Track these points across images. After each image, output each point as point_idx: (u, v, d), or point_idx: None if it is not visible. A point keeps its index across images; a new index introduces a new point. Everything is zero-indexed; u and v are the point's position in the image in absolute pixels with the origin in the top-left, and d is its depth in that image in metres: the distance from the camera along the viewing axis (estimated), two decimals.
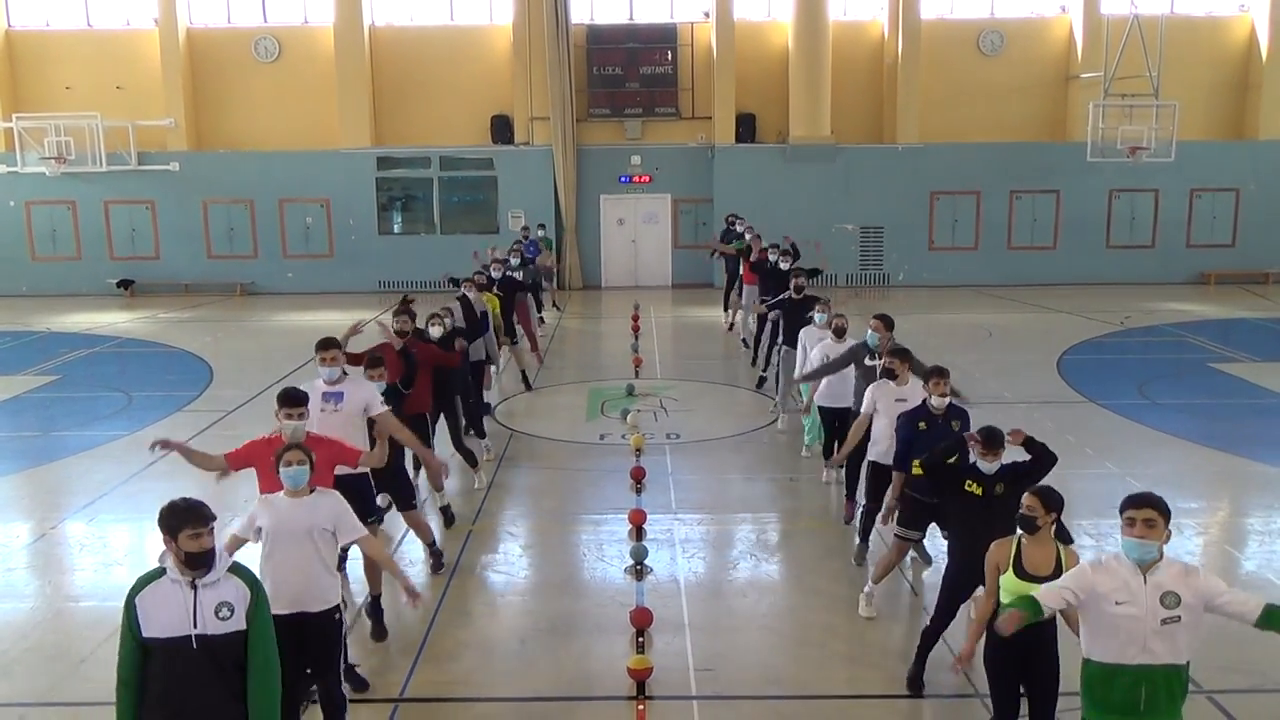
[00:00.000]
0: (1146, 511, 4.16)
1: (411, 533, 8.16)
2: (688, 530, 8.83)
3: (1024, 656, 4.90)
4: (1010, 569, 4.87)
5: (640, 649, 6.53)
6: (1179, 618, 4.12)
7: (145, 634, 4.04)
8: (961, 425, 6.88)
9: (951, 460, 6.04)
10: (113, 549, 8.71)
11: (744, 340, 16.79)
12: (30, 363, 16.30)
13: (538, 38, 23.44)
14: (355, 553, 7.27)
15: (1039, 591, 4.36)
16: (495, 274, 13.62)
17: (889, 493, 7.15)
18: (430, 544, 8.02)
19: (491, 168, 24.22)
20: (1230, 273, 24.13)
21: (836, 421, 9.46)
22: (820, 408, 9.70)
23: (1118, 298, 21.84)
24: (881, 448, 7.60)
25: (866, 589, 7.23)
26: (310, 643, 5.07)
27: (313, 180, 23.99)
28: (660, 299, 22.77)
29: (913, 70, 23.74)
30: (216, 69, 24.36)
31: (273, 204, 24.17)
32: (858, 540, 8.16)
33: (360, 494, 6.40)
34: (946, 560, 6.31)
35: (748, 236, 16.96)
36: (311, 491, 5.15)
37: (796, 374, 10.31)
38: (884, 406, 7.62)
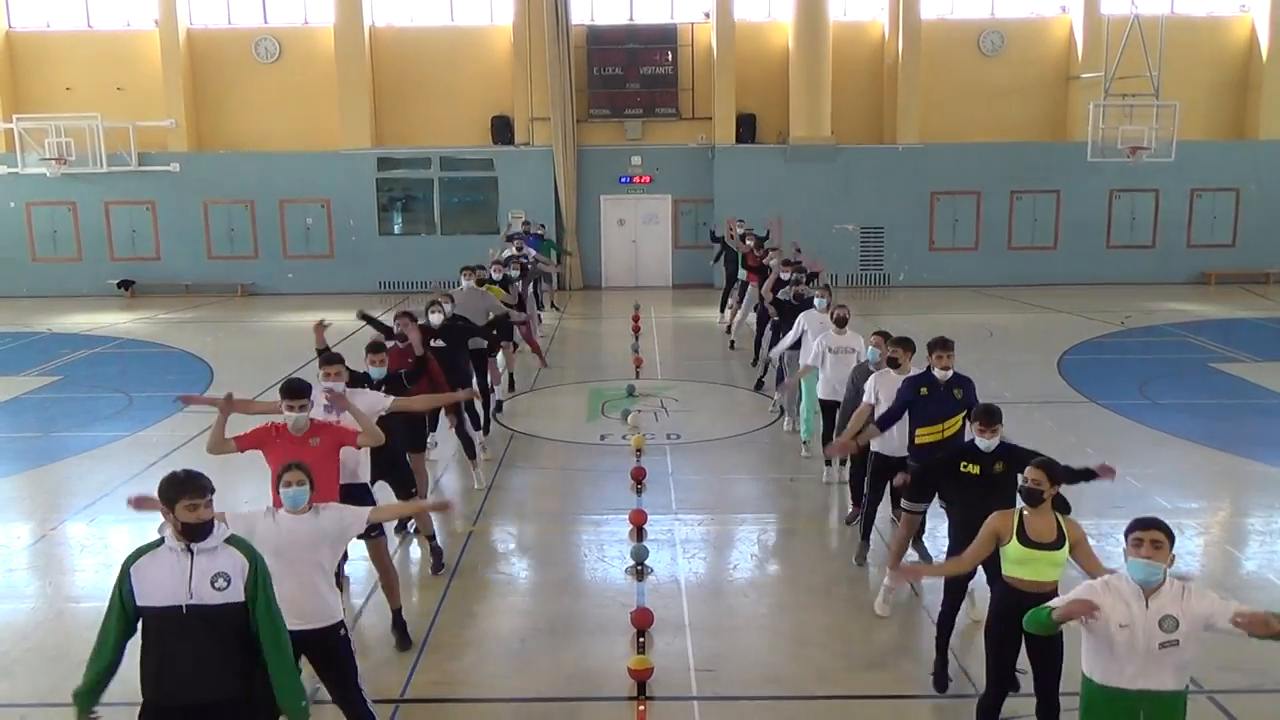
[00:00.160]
0: (1154, 533, 4.16)
1: (411, 540, 8.16)
2: (688, 530, 8.83)
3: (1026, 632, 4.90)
4: (1014, 538, 4.95)
5: (641, 649, 6.54)
6: (1177, 642, 4.13)
7: (140, 603, 4.07)
8: (964, 393, 6.91)
9: (940, 435, 6.13)
10: (113, 550, 8.70)
11: (732, 343, 16.79)
12: (31, 363, 16.31)
13: (538, 38, 23.45)
14: (352, 557, 7.26)
15: (1055, 606, 4.33)
16: (496, 276, 13.62)
17: (854, 422, 7.35)
18: (430, 536, 8.05)
19: (492, 168, 24.23)
20: (1231, 273, 24.13)
21: (836, 414, 9.52)
22: (821, 401, 9.72)
23: (1118, 298, 21.84)
24: (885, 439, 7.60)
25: (886, 582, 7.22)
26: (319, 663, 5.10)
27: (313, 181, 24.00)
28: (660, 299, 22.77)
29: (913, 70, 23.74)
30: (217, 70, 24.37)
31: (273, 205, 24.17)
32: (860, 539, 8.17)
33: (360, 503, 6.37)
34: (948, 542, 6.32)
35: (748, 241, 16.94)
36: (311, 509, 5.14)
37: (791, 361, 10.39)
38: (885, 396, 7.62)
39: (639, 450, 10.65)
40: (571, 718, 6.05)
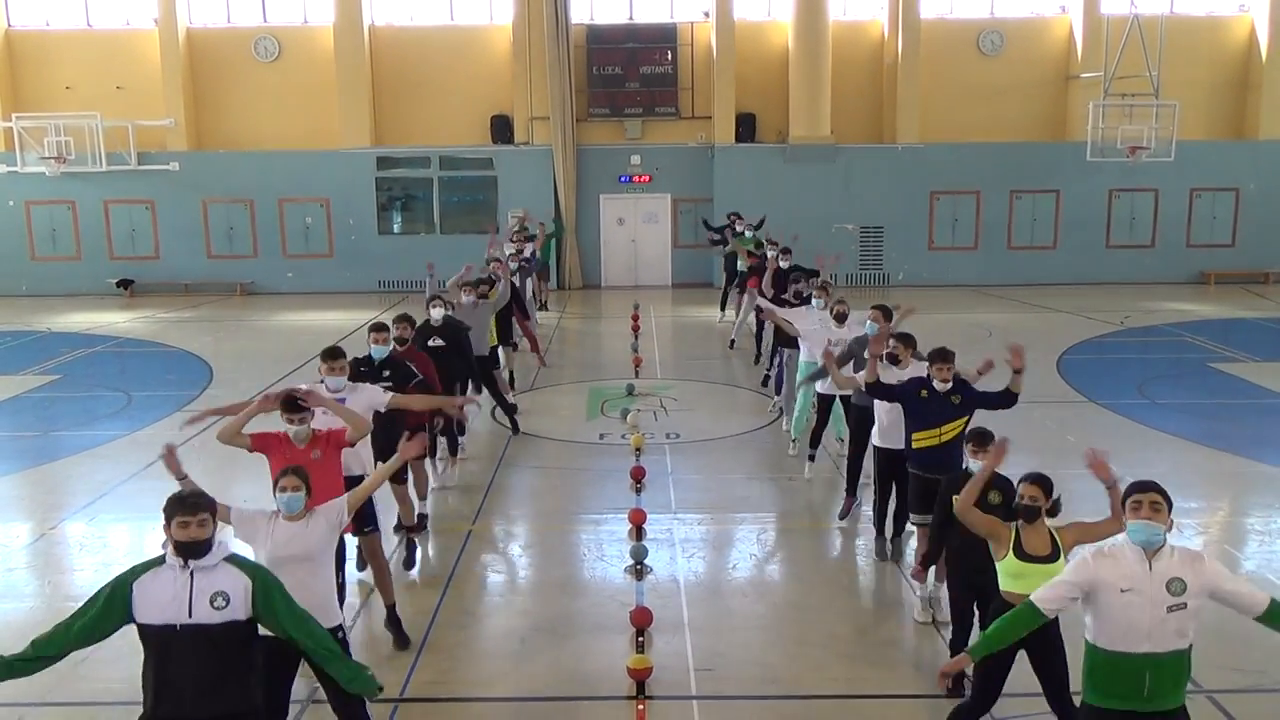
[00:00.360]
0: (1152, 495, 4.17)
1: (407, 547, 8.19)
2: (687, 530, 8.83)
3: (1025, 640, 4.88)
4: (1010, 552, 4.95)
5: (640, 649, 6.53)
6: (1185, 605, 4.09)
7: (139, 620, 4.08)
8: (963, 398, 6.92)
9: (938, 440, 6.14)
10: (113, 549, 8.71)
11: (732, 342, 16.79)
12: (30, 362, 16.30)
13: (537, 37, 23.44)
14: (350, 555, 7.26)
15: (1036, 594, 4.34)
16: (497, 276, 13.64)
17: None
18: (409, 528, 8.08)
19: (491, 167, 24.23)
20: (1230, 272, 24.14)
21: (830, 411, 9.57)
22: (819, 394, 9.72)
23: (1117, 297, 21.85)
24: (886, 432, 7.61)
25: (919, 591, 7.18)
26: (318, 665, 5.07)
27: (312, 180, 23.99)
28: (660, 299, 22.77)
29: (913, 70, 23.74)
30: (216, 69, 24.36)
31: (272, 204, 24.17)
32: (875, 535, 8.17)
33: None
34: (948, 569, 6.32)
35: (748, 234, 16.92)
36: (307, 514, 5.13)
37: (790, 363, 10.37)
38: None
39: (638, 450, 10.65)
40: (570, 717, 6.05)
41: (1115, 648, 4.16)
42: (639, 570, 7.81)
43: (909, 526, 7.74)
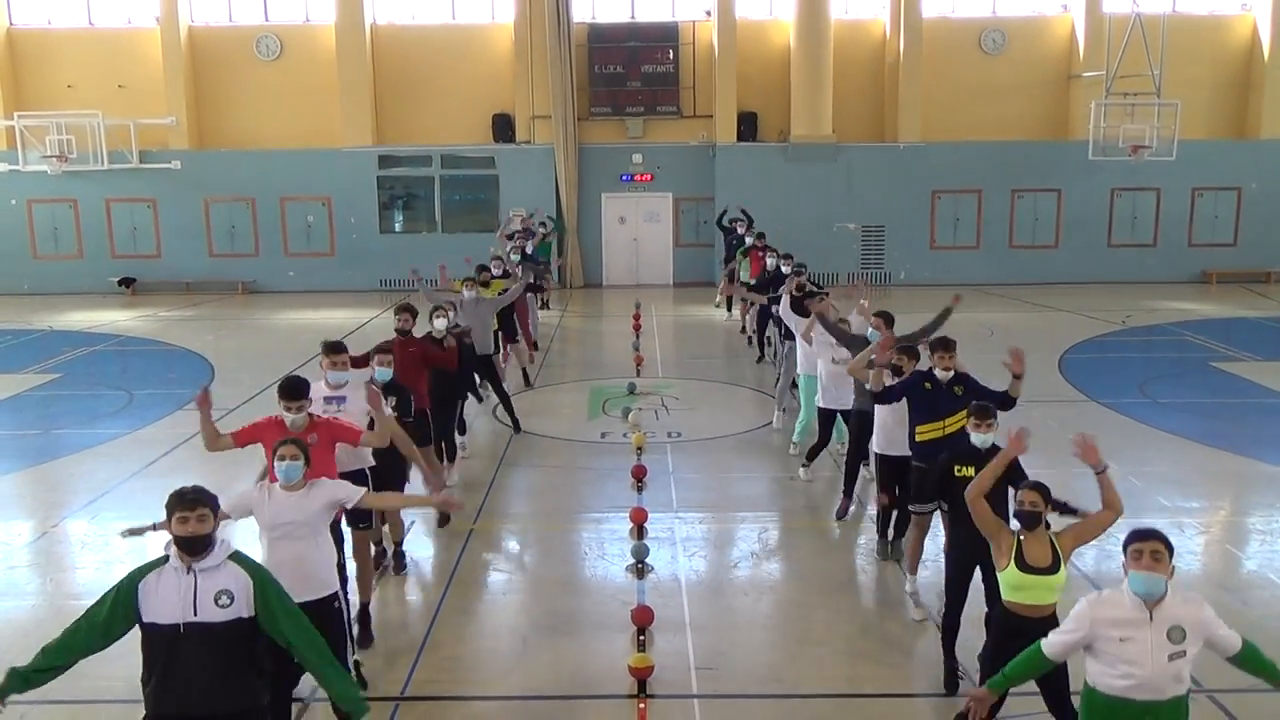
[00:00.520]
0: (1153, 544, 4.08)
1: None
2: (689, 529, 8.83)
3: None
4: (1011, 563, 4.93)
5: (641, 647, 6.53)
6: (1184, 652, 4.07)
7: (145, 619, 4.09)
8: (966, 389, 6.94)
9: (941, 432, 6.19)
10: (114, 547, 8.70)
11: (744, 328, 16.90)
12: (32, 361, 16.32)
13: (539, 36, 23.44)
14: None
15: (1045, 643, 4.34)
16: (495, 271, 13.73)
17: (875, 355, 7.47)
18: (398, 542, 8.03)
19: (493, 166, 24.23)
20: (1232, 272, 24.13)
21: (831, 424, 9.56)
22: (820, 409, 9.70)
23: (1119, 297, 21.84)
24: (887, 438, 7.62)
25: (908, 587, 7.24)
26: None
27: (314, 179, 24.00)
28: (661, 297, 22.77)
29: (914, 69, 23.73)
30: (218, 67, 24.37)
31: (274, 202, 24.18)
32: (878, 537, 8.17)
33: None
34: (946, 547, 6.32)
35: (749, 240, 16.93)
36: (306, 484, 5.15)
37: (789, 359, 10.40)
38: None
39: (640, 448, 10.64)
40: (572, 716, 6.05)
41: (1115, 694, 4.14)
42: (640, 569, 7.80)
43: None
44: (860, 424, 8.49)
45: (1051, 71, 24.64)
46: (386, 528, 8.08)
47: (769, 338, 14.88)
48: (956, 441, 6.52)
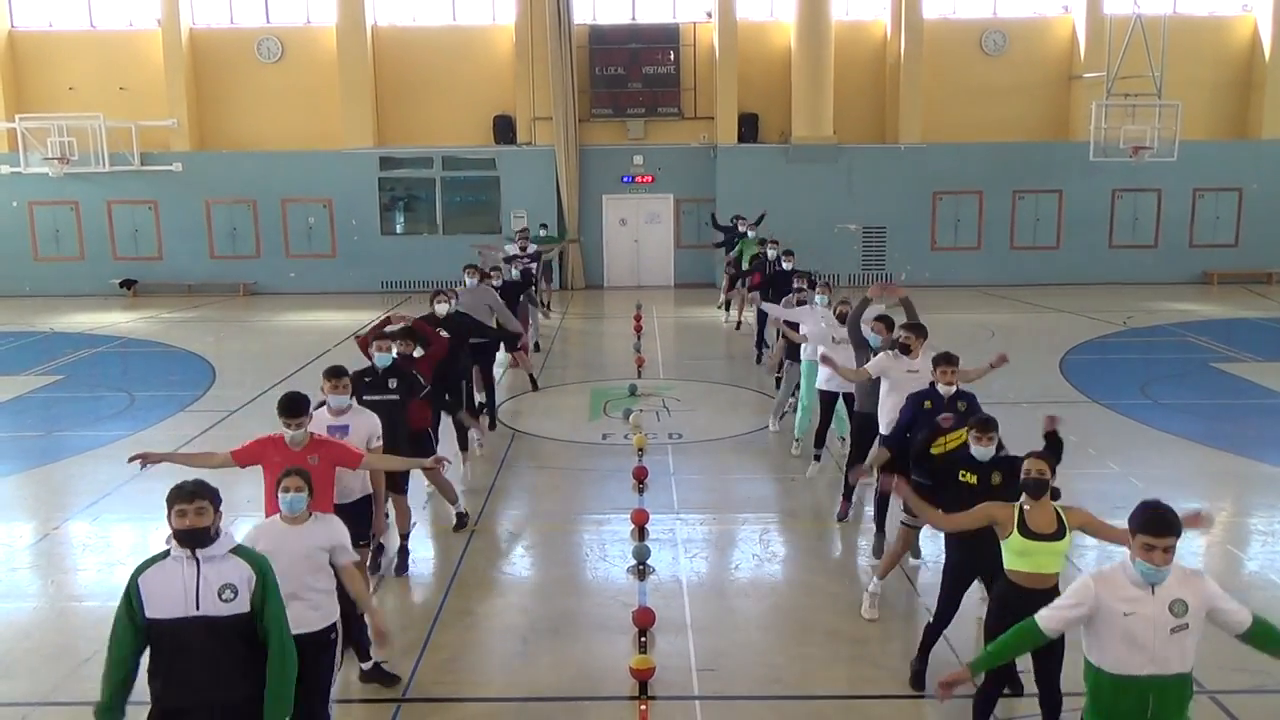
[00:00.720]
0: (1168, 540, 4.08)
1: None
2: (690, 530, 8.83)
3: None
4: (1015, 530, 4.97)
5: (642, 649, 6.54)
6: (1187, 625, 4.07)
7: (148, 615, 4.09)
8: (969, 407, 6.90)
9: (943, 449, 6.12)
10: (116, 549, 8.72)
11: (739, 324, 16.95)
12: (33, 363, 16.33)
13: (540, 38, 23.46)
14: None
15: (1040, 615, 4.33)
16: (496, 282, 13.70)
17: (871, 454, 7.48)
18: (404, 535, 8.05)
19: (494, 168, 24.24)
20: (1233, 272, 24.13)
21: (834, 408, 9.59)
22: (820, 391, 9.72)
23: (1120, 297, 21.83)
24: (891, 423, 7.60)
25: (871, 587, 7.21)
26: (302, 660, 5.05)
27: (315, 180, 24.02)
28: (662, 299, 22.78)
29: (915, 70, 23.74)
30: (219, 69, 24.40)
31: (275, 204, 24.19)
32: (876, 534, 8.18)
33: (356, 517, 6.33)
34: (945, 553, 6.31)
35: (750, 235, 16.92)
36: (310, 516, 5.10)
37: (789, 370, 10.42)
38: (897, 378, 7.68)
39: (641, 450, 10.65)
40: (573, 717, 6.04)
41: (1119, 671, 4.13)
42: (641, 570, 7.81)
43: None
44: (862, 428, 8.49)
45: (1052, 72, 24.64)
46: (391, 517, 8.10)
47: (767, 340, 14.90)
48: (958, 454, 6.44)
